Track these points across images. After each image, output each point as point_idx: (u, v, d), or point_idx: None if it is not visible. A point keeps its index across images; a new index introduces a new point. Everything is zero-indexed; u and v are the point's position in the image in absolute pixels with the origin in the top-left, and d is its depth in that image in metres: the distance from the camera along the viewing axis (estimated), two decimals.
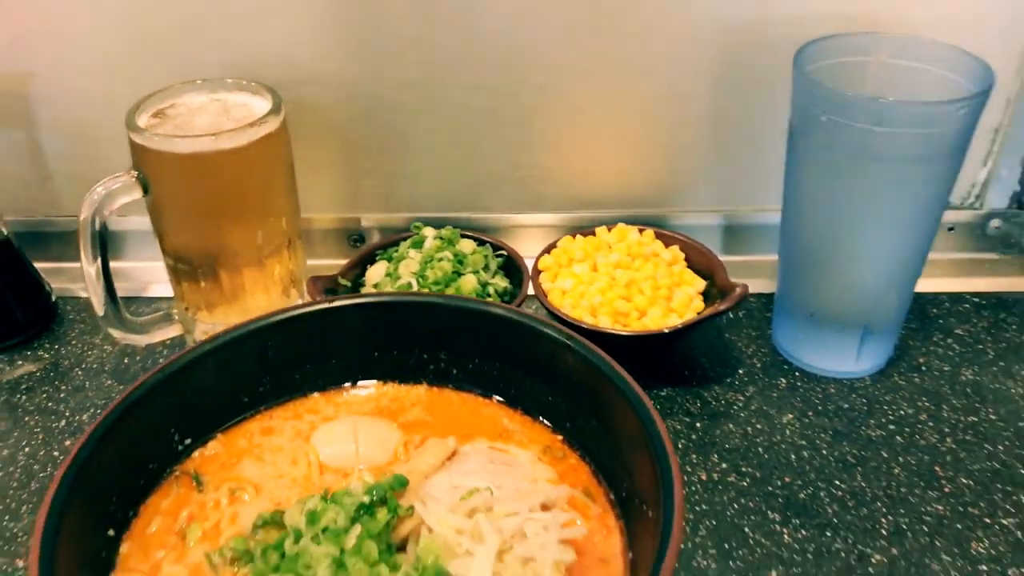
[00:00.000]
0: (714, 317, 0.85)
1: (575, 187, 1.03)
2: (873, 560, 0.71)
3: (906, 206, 0.79)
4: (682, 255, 0.94)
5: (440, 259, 0.91)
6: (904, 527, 0.73)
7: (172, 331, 0.89)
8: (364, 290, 0.92)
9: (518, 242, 0.98)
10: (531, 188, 1.03)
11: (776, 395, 0.87)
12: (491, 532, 0.59)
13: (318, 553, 0.57)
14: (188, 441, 0.71)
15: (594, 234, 0.96)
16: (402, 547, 0.60)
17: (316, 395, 0.77)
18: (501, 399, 0.76)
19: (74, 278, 1.05)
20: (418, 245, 0.94)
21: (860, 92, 0.75)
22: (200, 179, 0.81)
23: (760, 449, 0.81)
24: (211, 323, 0.89)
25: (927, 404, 0.86)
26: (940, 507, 0.75)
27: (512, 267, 0.94)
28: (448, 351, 0.77)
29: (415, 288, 0.90)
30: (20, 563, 0.72)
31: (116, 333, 0.86)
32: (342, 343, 0.76)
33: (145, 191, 0.82)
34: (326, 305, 0.75)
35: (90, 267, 0.81)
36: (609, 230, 0.96)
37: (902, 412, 0.85)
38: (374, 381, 0.78)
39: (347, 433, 0.72)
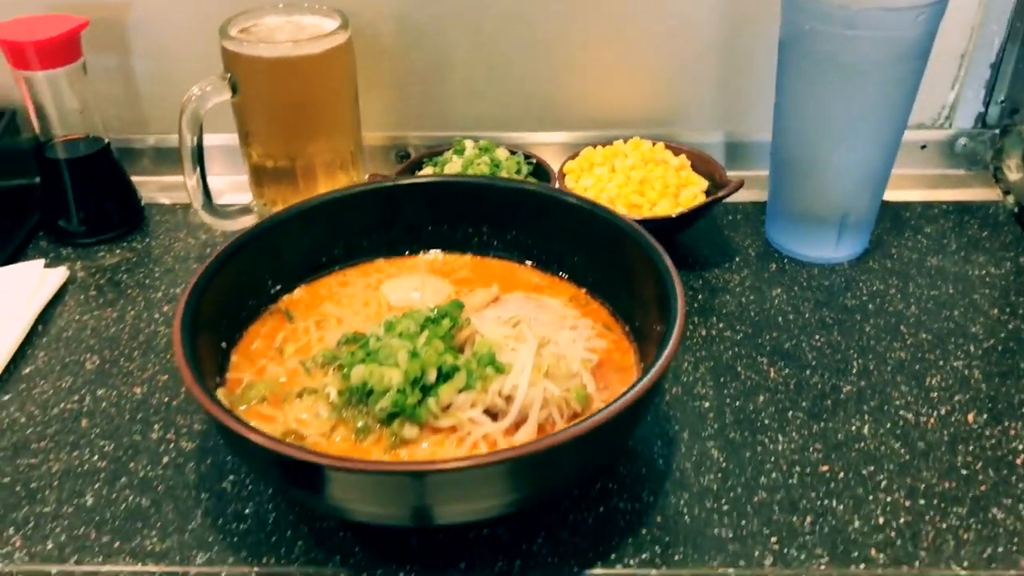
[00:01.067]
0: (715, 204, 1.00)
1: (594, 108, 1.18)
2: (844, 390, 0.85)
3: (877, 108, 0.93)
4: (688, 162, 1.08)
5: (479, 163, 1.06)
6: (871, 368, 0.88)
7: (251, 220, 1.05)
8: None
9: (545, 155, 1.12)
10: (555, 109, 1.18)
11: (767, 275, 1.02)
12: (531, 336, 0.74)
13: (396, 345, 0.72)
14: (278, 287, 0.86)
15: (611, 145, 1.11)
16: (459, 351, 0.76)
17: (380, 259, 0.92)
18: (533, 263, 0.91)
19: (162, 188, 1.20)
20: (459, 153, 1.09)
21: (836, 1, 0.89)
22: (282, 82, 0.96)
23: (752, 313, 0.96)
24: None
25: (896, 282, 1.00)
26: (902, 354, 0.90)
27: (541, 172, 1.09)
28: (490, 224, 0.92)
29: None
30: (137, 390, 0.87)
31: (207, 218, 1.01)
32: (403, 217, 0.91)
33: (234, 92, 0.97)
34: (391, 183, 0.91)
35: (187, 153, 0.96)
36: (625, 142, 1.11)
37: (875, 287, 0.99)
38: (429, 250, 0.93)
39: (410, 283, 0.88)
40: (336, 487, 0.62)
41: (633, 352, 0.80)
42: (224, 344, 0.79)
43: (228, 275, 0.79)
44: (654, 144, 1.10)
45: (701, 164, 1.08)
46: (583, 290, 0.87)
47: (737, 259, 1.05)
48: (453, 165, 1.07)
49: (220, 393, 0.73)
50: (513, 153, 1.10)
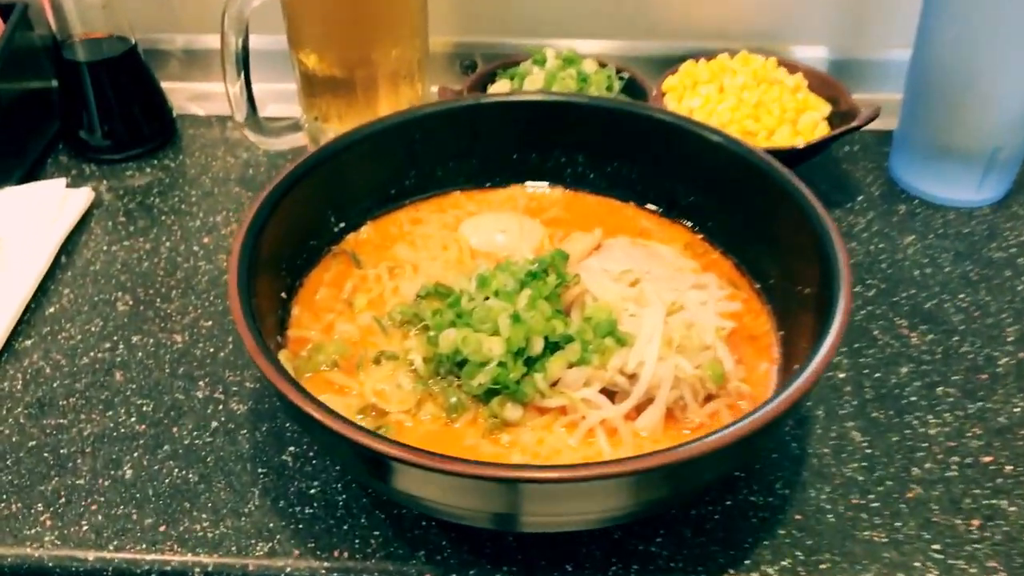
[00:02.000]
0: (848, 134, 0.85)
1: (694, 15, 1.02)
2: (1000, 362, 0.73)
3: None
4: (805, 82, 0.93)
5: (563, 77, 0.92)
6: None
7: (300, 139, 0.91)
8: None
9: (635, 70, 0.97)
10: (649, 13, 1.02)
11: (896, 220, 0.88)
12: (656, 298, 0.61)
13: (496, 307, 0.59)
14: (342, 224, 0.74)
15: (716, 59, 0.95)
16: (567, 312, 0.63)
17: (457, 192, 0.78)
18: (639, 202, 0.77)
19: (193, 97, 1.06)
20: (540, 64, 0.95)
21: None
22: None
23: (884, 265, 0.83)
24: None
25: None
26: None
27: (635, 89, 0.94)
28: (588, 153, 0.78)
29: None
30: (177, 338, 0.75)
31: (252, 135, 0.88)
32: (485, 142, 0.77)
33: None
34: (473, 101, 0.77)
35: (231, 58, 0.82)
36: (732, 57, 0.95)
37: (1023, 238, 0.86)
38: (513, 183, 0.79)
39: (493, 223, 0.75)
40: (426, 487, 0.50)
41: (767, 316, 0.67)
42: (284, 294, 0.67)
43: (287, 211, 0.66)
44: (766, 60, 0.94)
45: (819, 85, 0.93)
46: (700, 236, 0.74)
47: (860, 199, 0.91)
48: (534, 79, 0.92)
49: (283, 356, 0.61)
50: (602, 66, 0.95)
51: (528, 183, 0.79)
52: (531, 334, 0.58)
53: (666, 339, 0.59)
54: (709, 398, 0.59)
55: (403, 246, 0.73)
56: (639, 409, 0.58)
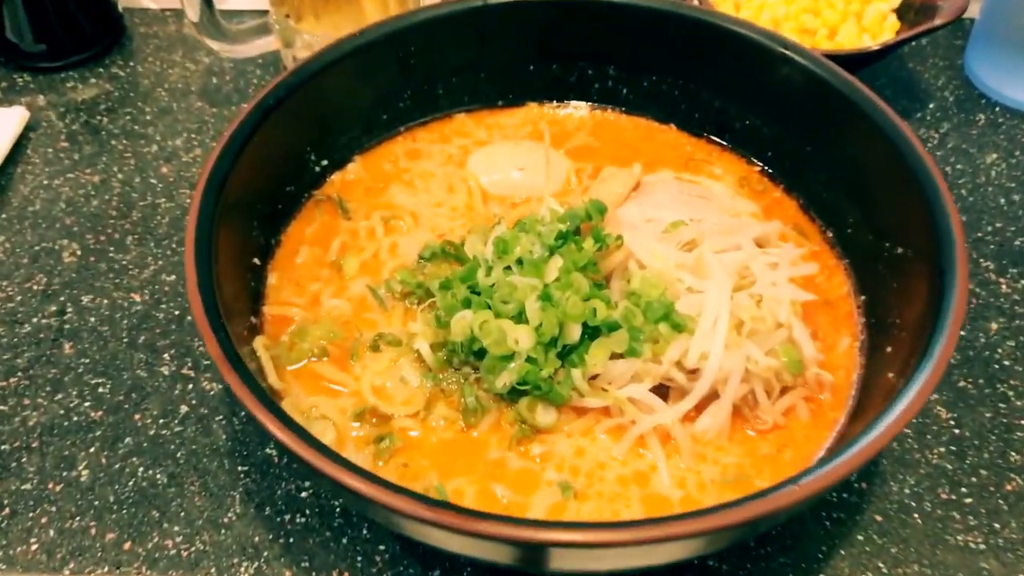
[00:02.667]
0: (928, 34, 0.71)
1: None
2: None
3: None
4: None
5: None
6: None
7: (271, 43, 0.76)
8: None
9: None
10: None
11: (975, 132, 0.75)
12: (719, 267, 0.49)
13: (522, 285, 0.48)
14: (325, 163, 0.60)
15: None
16: (607, 281, 0.51)
17: (462, 115, 0.65)
18: (681, 125, 0.64)
19: None
20: None
21: None
22: None
23: (964, 192, 0.70)
24: (316, 34, 0.75)
25: None
26: None
27: None
28: (618, 65, 0.64)
29: None
30: (136, 297, 0.63)
31: (213, 43, 0.73)
32: (493, 51, 0.63)
33: None
34: (479, 2, 0.62)
35: None
36: None
37: None
38: (529, 102, 0.66)
39: (508, 158, 0.62)
40: (439, 540, 0.40)
41: (843, 274, 0.55)
42: (257, 259, 0.55)
43: (256, 153, 0.53)
44: None
45: None
46: (757, 167, 0.62)
47: (931, 106, 0.78)
48: None
49: (259, 345, 0.50)
50: None
51: (547, 102, 0.66)
52: (566, 320, 0.47)
53: (734, 322, 0.47)
54: (784, 390, 0.48)
55: (399, 188, 0.60)
56: (699, 406, 0.47)
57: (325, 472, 0.37)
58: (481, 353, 0.47)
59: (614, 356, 0.47)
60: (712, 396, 0.47)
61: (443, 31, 0.61)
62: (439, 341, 0.49)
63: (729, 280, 0.48)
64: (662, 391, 0.48)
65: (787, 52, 0.57)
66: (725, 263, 0.50)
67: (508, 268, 0.49)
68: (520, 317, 0.47)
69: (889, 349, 0.48)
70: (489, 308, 0.48)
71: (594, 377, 0.47)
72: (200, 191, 0.49)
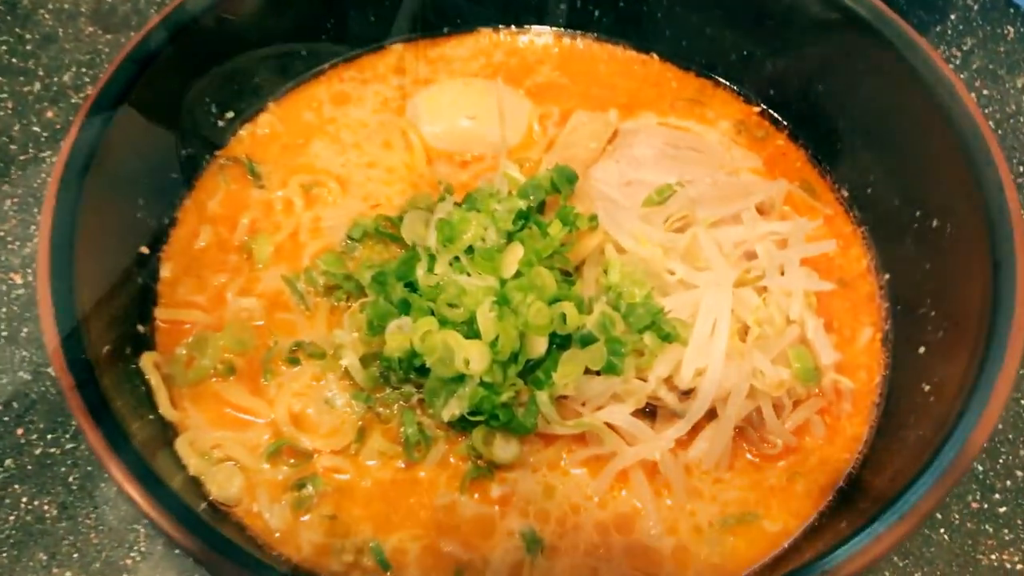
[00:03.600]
0: None
1: None
2: None
3: None
4: None
5: None
6: None
7: None
8: None
9: None
10: None
11: (1004, 50, 0.65)
12: (718, 256, 0.40)
13: (472, 288, 0.38)
14: (230, 115, 0.49)
15: None
16: (575, 270, 0.42)
17: (398, 46, 0.53)
18: (666, 55, 0.53)
19: None
20: None
21: None
22: None
23: (991, 123, 0.60)
24: None
25: None
26: None
27: None
28: None
29: None
30: (16, 278, 0.53)
31: None
32: None
33: None
34: None
35: None
36: None
37: None
38: (480, 27, 0.54)
39: (456, 102, 0.50)
40: None
41: (861, 244, 0.46)
42: (146, 247, 0.44)
43: (140, 110, 0.42)
44: None
45: None
46: (756, 109, 0.51)
47: (953, 18, 0.67)
48: None
49: (147, 363, 0.40)
50: None
51: (503, 27, 0.54)
52: (528, 330, 0.37)
53: (737, 326, 0.38)
54: (795, 402, 0.40)
55: (323, 144, 0.49)
56: (695, 428, 0.38)
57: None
58: (424, 369, 0.38)
59: (588, 371, 0.38)
60: (711, 415, 0.38)
61: None
62: (372, 352, 0.39)
63: (730, 271, 0.39)
64: (650, 409, 0.39)
65: None
66: (724, 244, 0.41)
67: (456, 259, 0.39)
68: (471, 327, 0.37)
69: (922, 350, 0.39)
70: (432, 314, 0.38)
71: (564, 397, 0.38)
72: (58, 171, 0.38)
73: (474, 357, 0.36)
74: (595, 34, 0.54)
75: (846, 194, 0.48)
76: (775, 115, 0.51)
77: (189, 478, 0.37)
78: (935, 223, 0.41)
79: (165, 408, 0.39)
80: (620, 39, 0.54)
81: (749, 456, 0.40)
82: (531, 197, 0.41)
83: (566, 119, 0.50)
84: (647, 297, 0.38)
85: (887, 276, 0.45)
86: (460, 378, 0.37)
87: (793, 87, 0.50)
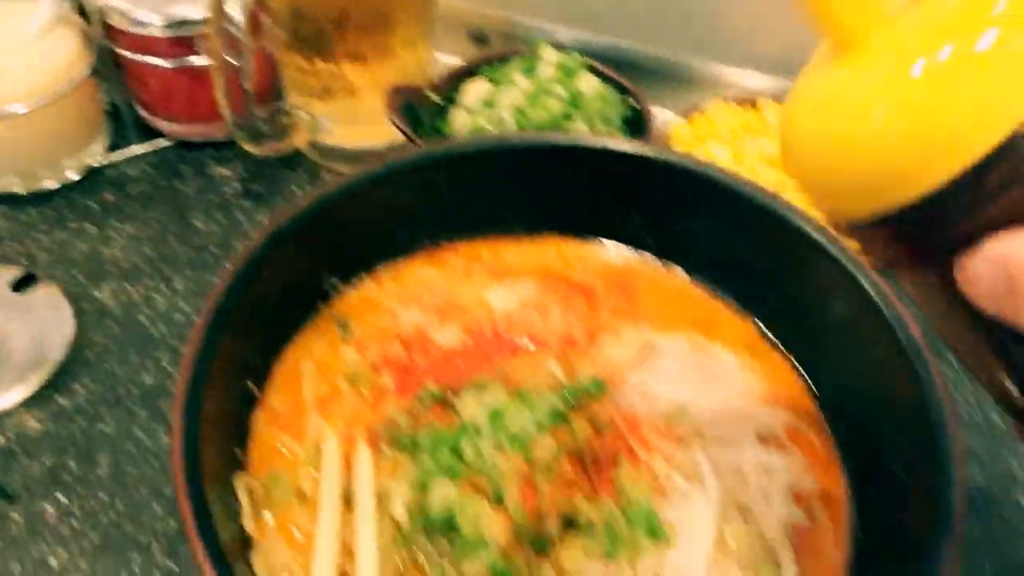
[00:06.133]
0: None
1: (760, 37, 0.82)
2: None
3: None
4: None
5: (550, 94, 0.74)
6: None
7: (296, 142, 0.76)
8: (453, 111, 0.76)
9: (662, 93, 0.79)
10: (705, 24, 0.83)
11: None
12: (712, 476, 0.48)
13: (506, 468, 0.47)
14: (335, 280, 0.61)
15: (753, 106, 0.75)
16: (594, 465, 0.50)
17: (481, 242, 0.65)
18: (687, 268, 0.63)
19: None
20: (530, 71, 0.76)
21: None
22: None
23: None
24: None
25: None
26: None
27: (639, 124, 0.75)
28: (644, 214, 0.63)
29: (511, 126, 0.73)
30: None
31: (246, 143, 0.73)
32: (521, 185, 0.63)
33: None
34: (515, 142, 0.61)
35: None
36: (776, 103, 0.75)
37: None
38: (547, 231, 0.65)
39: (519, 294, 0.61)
40: None
41: (840, 472, 0.54)
42: (252, 383, 0.55)
43: (270, 274, 0.54)
44: None
45: None
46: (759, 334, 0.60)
47: None
48: (513, 93, 0.74)
49: (240, 484, 0.50)
50: (617, 87, 0.76)
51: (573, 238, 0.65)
52: (546, 510, 0.46)
53: (718, 540, 0.46)
54: None
55: (409, 311, 0.60)
56: None
57: None
58: (452, 527, 0.47)
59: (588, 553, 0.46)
60: None
61: (471, 165, 0.60)
62: (416, 505, 0.48)
63: (719, 491, 0.47)
64: None
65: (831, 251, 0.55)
66: (720, 464, 0.49)
67: (499, 441, 0.49)
68: (499, 499, 0.46)
69: None
70: (468, 482, 0.47)
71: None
72: (206, 315, 0.49)
73: (496, 529, 0.45)
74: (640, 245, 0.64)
75: (835, 426, 0.56)
76: (780, 340, 0.60)
77: None
78: (904, 478, 0.49)
79: (248, 523, 0.48)
80: (661, 253, 0.64)
81: None
82: (569, 399, 0.50)
83: (608, 335, 0.59)
84: (647, 501, 0.47)
85: (856, 503, 0.52)
86: (484, 543, 0.46)
87: (796, 319, 0.59)
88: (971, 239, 0.29)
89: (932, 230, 0.30)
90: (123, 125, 0.82)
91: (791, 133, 0.33)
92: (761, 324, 0.61)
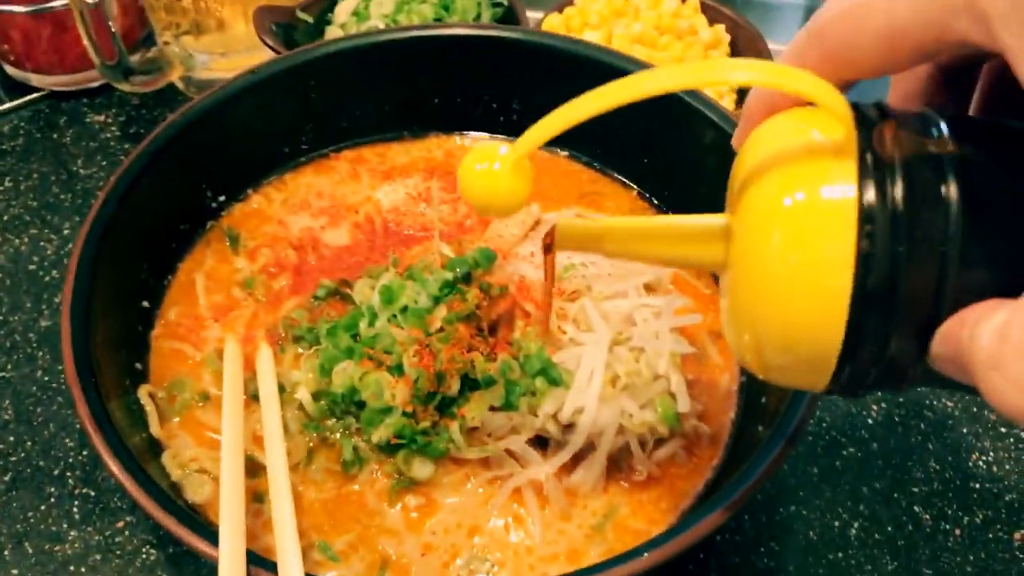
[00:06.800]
0: None
1: None
2: None
3: None
4: (727, 38, 0.75)
5: (422, 1, 0.75)
6: None
7: (168, 77, 0.75)
8: (328, 30, 0.76)
9: None
10: None
11: None
12: (600, 321, 0.50)
13: (402, 337, 0.48)
14: (222, 198, 0.60)
15: None
16: (492, 330, 0.52)
17: (365, 148, 0.65)
18: (569, 151, 0.65)
19: None
20: None
21: None
22: None
23: None
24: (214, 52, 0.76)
25: None
26: None
27: (511, 21, 0.76)
28: (520, 98, 0.64)
29: None
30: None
31: (118, 82, 0.71)
32: (397, 86, 0.63)
33: None
34: (380, 38, 0.62)
35: None
36: None
37: None
38: (432, 133, 0.66)
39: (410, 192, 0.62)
40: None
41: None
42: (147, 302, 0.55)
43: (146, 195, 0.53)
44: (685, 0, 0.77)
45: (746, 45, 0.74)
46: (642, 199, 0.63)
47: None
48: (383, 2, 0.74)
49: (143, 393, 0.50)
50: None
51: (452, 133, 0.66)
52: (445, 372, 0.47)
53: (609, 377, 0.48)
54: (660, 441, 0.50)
55: (299, 219, 0.60)
56: (576, 458, 0.48)
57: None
58: (362, 404, 0.48)
59: (493, 408, 0.48)
60: (589, 448, 0.48)
61: (344, 66, 0.61)
62: (322, 389, 0.49)
63: (608, 333, 0.49)
64: (542, 442, 0.49)
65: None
66: (609, 313, 0.51)
67: (393, 316, 0.50)
68: (400, 370, 0.47)
69: (763, 400, 0.49)
70: (370, 359, 0.48)
71: (474, 429, 0.48)
72: (81, 239, 0.48)
73: (399, 393, 0.46)
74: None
75: None
76: (662, 206, 0.62)
77: (171, 484, 0.47)
78: None
79: (155, 429, 0.49)
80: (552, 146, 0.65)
81: (622, 484, 0.49)
82: (457, 270, 0.52)
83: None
84: (540, 350, 0.48)
85: None
86: (388, 410, 0.47)
87: (676, 185, 0.61)
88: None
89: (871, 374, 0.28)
90: None
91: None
92: (643, 191, 0.63)
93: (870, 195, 0.26)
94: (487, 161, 0.31)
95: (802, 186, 0.27)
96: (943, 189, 0.26)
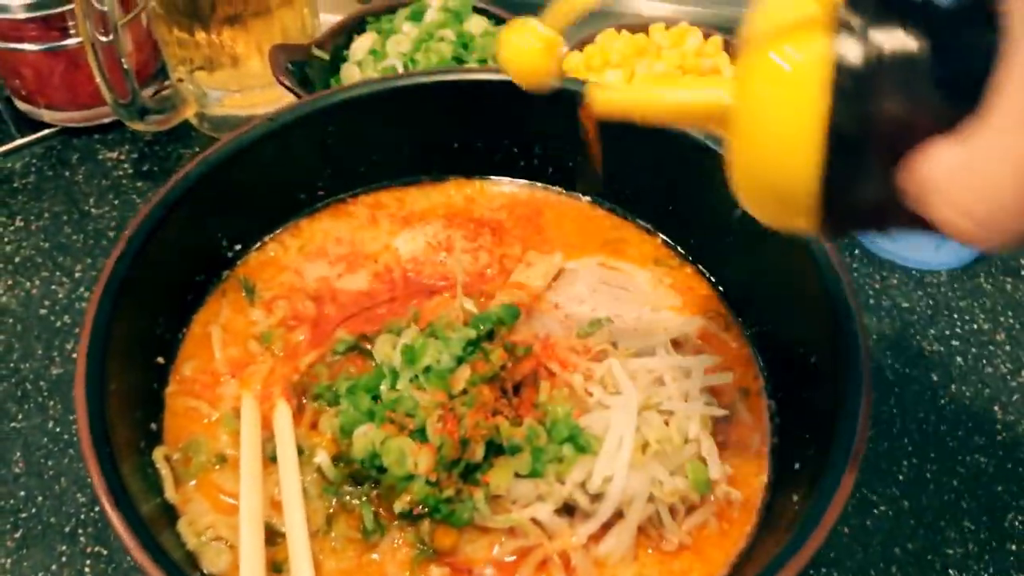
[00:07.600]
0: None
1: None
2: None
3: None
4: None
5: (440, 39, 0.74)
6: None
7: (181, 114, 0.74)
8: (344, 68, 0.75)
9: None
10: None
11: None
12: (628, 382, 0.49)
13: (425, 400, 0.47)
14: (238, 247, 0.59)
15: (645, 32, 0.76)
16: (515, 390, 0.51)
17: (384, 192, 0.64)
18: (592, 196, 0.63)
19: None
20: (417, 18, 0.75)
21: None
22: None
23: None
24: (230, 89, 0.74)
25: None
26: None
27: None
28: (543, 144, 0.63)
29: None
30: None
31: (132, 122, 0.70)
32: (415, 130, 0.62)
33: None
34: (402, 83, 0.60)
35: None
36: (667, 28, 0.76)
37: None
38: (452, 177, 0.65)
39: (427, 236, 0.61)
40: None
41: (756, 367, 0.55)
42: (161, 358, 0.53)
43: (164, 244, 0.52)
44: (707, 38, 0.74)
45: None
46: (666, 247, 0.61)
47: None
48: (401, 41, 0.73)
49: (159, 456, 0.48)
50: (498, 23, 0.75)
51: (474, 178, 0.65)
52: (470, 436, 0.46)
53: (639, 443, 0.47)
54: (691, 508, 0.48)
55: (317, 268, 0.59)
56: (605, 526, 0.47)
57: None
58: (383, 469, 0.46)
59: (519, 476, 0.46)
60: (618, 516, 0.47)
61: (363, 112, 0.59)
62: (342, 453, 0.48)
63: (636, 396, 0.48)
64: (570, 510, 0.47)
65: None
66: (638, 373, 0.50)
67: (415, 377, 0.48)
68: (422, 435, 0.46)
69: (797, 466, 0.48)
70: (392, 423, 0.47)
71: (498, 496, 0.47)
72: (97, 294, 0.47)
73: (422, 460, 0.45)
74: (541, 179, 0.64)
75: (749, 328, 0.57)
76: (686, 252, 0.60)
77: (187, 553, 0.45)
78: (813, 359, 0.50)
79: (170, 493, 0.47)
80: (562, 183, 0.64)
81: (652, 553, 0.48)
82: (480, 328, 0.50)
83: (521, 263, 0.59)
84: (567, 415, 0.47)
85: (777, 398, 0.53)
86: (411, 477, 0.45)
87: (700, 232, 0.60)
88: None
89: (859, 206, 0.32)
90: (1, 119, 0.78)
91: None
92: (667, 238, 0.62)
93: (844, 44, 0.30)
94: (524, 36, 0.39)
95: (787, 41, 0.31)
96: (909, 36, 0.29)
